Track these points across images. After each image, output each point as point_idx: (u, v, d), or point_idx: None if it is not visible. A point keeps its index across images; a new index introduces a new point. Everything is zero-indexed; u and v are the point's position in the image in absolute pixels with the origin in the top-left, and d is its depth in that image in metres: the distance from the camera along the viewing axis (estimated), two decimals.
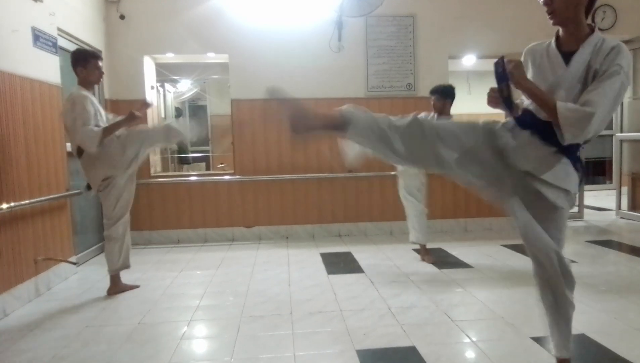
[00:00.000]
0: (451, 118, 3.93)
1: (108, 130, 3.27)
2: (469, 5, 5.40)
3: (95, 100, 3.38)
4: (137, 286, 3.62)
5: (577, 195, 1.92)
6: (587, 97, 1.71)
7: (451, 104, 4.04)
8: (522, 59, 1.97)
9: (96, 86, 4.80)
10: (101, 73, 3.43)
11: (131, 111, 3.32)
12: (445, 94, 3.99)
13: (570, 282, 1.92)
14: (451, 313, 2.93)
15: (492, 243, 4.84)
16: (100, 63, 3.41)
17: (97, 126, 3.26)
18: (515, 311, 2.93)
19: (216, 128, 7.55)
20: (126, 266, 3.58)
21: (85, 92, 3.30)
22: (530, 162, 1.83)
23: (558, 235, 1.88)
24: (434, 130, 1.82)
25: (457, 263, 4.12)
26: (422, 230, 4.19)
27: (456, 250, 4.58)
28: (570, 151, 1.82)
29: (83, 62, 3.34)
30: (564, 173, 1.82)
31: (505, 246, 4.69)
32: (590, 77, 1.76)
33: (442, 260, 4.25)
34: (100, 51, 4.87)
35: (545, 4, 1.79)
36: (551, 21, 1.82)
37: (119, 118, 3.39)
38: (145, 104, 3.56)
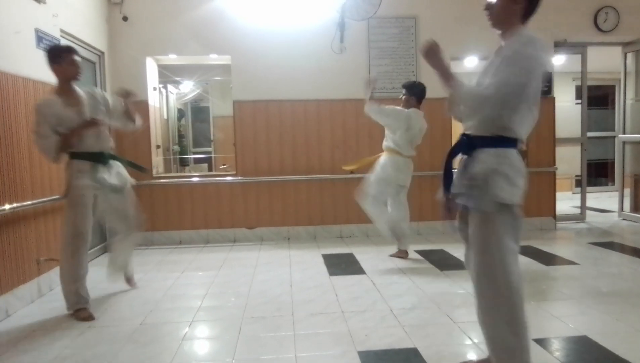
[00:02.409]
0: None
1: (65, 137, 3.00)
2: (470, 6, 5.39)
3: (57, 105, 2.99)
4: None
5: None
6: (486, 80, 1.88)
7: (417, 101, 4.18)
8: None
9: (98, 87, 4.84)
10: (78, 68, 3.10)
11: (92, 117, 3.07)
12: (410, 90, 4.19)
13: None
14: (453, 314, 2.93)
15: None
16: (75, 58, 3.08)
17: (57, 131, 2.97)
18: None
19: (218, 129, 7.57)
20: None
21: (48, 98, 3.05)
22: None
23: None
24: None
25: (458, 265, 4.11)
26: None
27: (458, 251, 4.56)
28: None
29: (57, 58, 3.04)
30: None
31: None
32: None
33: (443, 261, 4.25)
34: (103, 53, 4.90)
35: (486, 9, 1.99)
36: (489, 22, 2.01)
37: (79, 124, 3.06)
38: (127, 94, 3.34)
